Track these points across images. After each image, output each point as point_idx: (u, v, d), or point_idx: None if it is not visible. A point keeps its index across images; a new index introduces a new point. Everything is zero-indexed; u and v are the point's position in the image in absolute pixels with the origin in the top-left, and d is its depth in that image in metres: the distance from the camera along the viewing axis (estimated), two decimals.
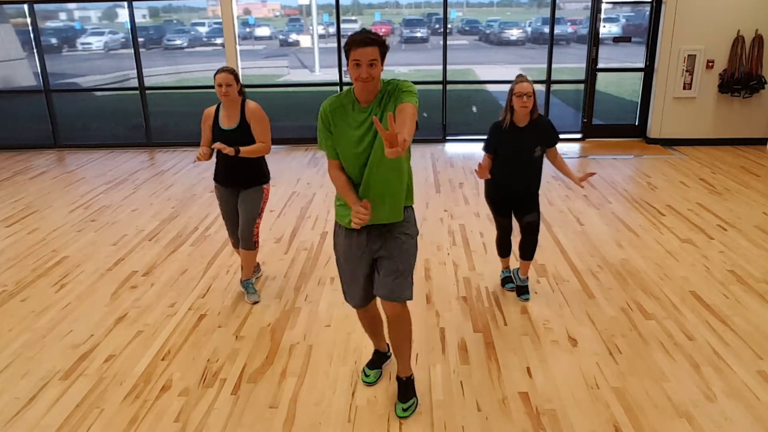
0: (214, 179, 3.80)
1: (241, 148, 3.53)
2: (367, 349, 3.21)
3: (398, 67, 18.38)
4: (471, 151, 7.67)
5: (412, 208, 2.60)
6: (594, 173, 3.58)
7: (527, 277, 3.78)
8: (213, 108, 3.68)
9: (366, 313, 2.80)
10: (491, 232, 4.80)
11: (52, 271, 4.31)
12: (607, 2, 7.67)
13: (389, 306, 2.56)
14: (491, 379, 2.93)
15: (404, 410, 2.69)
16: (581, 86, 7.93)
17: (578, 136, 8.05)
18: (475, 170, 3.48)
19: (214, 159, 3.73)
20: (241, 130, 3.59)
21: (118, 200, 5.90)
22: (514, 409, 2.72)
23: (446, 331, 3.37)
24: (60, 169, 7.23)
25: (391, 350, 3.03)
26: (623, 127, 8.14)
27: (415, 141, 8.18)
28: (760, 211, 5.17)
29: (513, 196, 3.60)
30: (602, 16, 7.70)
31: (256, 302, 3.78)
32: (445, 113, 8.16)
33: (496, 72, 16.05)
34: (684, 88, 7.43)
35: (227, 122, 3.62)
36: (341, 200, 2.54)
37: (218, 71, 3.58)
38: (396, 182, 2.45)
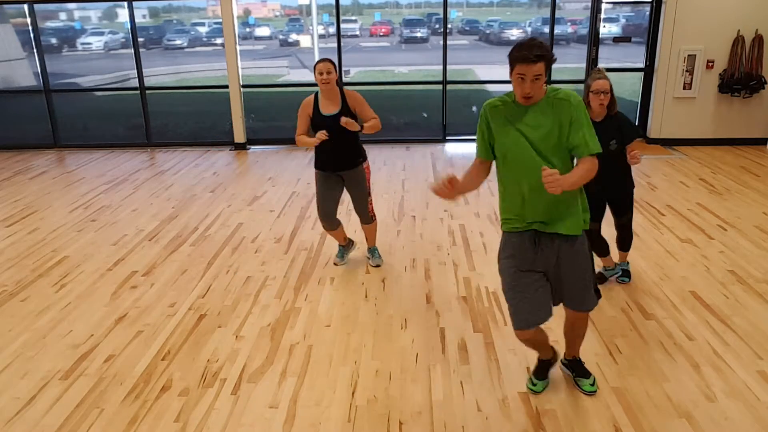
0: (316, 167, 3.99)
1: (365, 125, 3.84)
2: (366, 348, 3.21)
3: (398, 67, 18.39)
4: (471, 151, 7.66)
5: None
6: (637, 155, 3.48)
7: (626, 262, 4.00)
8: (311, 98, 3.87)
9: (533, 335, 2.60)
10: (491, 232, 4.81)
11: (52, 271, 4.31)
12: (607, 2, 7.67)
13: (575, 313, 2.68)
14: (491, 379, 2.93)
15: (591, 385, 2.82)
16: (581, 86, 7.92)
17: None
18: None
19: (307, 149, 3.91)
20: (344, 115, 3.78)
21: (118, 200, 5.90)
22: (514, 409, 2.72)
23: (446, 331, 3.37)
24: (60, 169, 7.23)
25: (552, 355, 2.90)
26: None
27: (415, 141, 8.21)
28: (760, 211, 5.17)
29: (601, 194, 3.66)
30: (602, 16, 7.70)
31: (378, 265, 4.22)
32: (445, 113, 8.16)
33: (496, 72, 16.06)
34: (684, 88, 7.43)
35: (328, 109, 3.80)
36: (507, 213, 2.51)
37: (319, 61, 3.78)
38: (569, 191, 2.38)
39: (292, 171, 6.83)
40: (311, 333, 3.40)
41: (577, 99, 2.38)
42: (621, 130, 3.51)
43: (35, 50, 8.19)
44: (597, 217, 3.78)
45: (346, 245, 4.31)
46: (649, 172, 6.52)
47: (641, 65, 7.80)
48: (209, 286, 4.01)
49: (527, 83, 2.27)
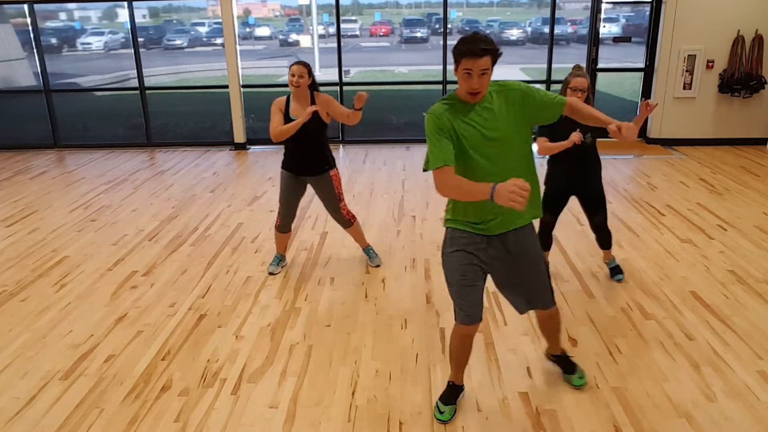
0: (283, 167, 4.00)
1: (356, 110, 3.74)
2: (366, 348, 3.21)
3: (398, 67, 18.39)
4: None
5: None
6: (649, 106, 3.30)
7: (612, 259, 4.02)
8: (283, 99, 3.88)
9: (474, 331, 2.55)
10: None
11: (52, 271, 4.31)
12: (607, 2, 7.67)
13: (543, 311, 2.66)
14: (491, 379, 2.93)
15: (580, 378, 2.84)
16: None
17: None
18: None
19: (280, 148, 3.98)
20: (311, 121, 3.76)
21: (118, 200, 5.91)
22: (514, 409, 2.72)
23: (446, 331, 3.37)
24: (60, 169, 7.23)
25: (462, 383, 2.77)
26: None
27: (415, 141, 8.21)
28: (760, 211, 5.17)
29: (570, 189, 3.73)
30: (602, 16, 7.70)
31: (378, 265, 4.21)
32: None
33: (495, 72, 16.07)
34: (684, 88, 7.43)
35: (298, 113, 3.80)
36: (463, 215, 2.43)
37: (293, 63, 3.79)
38: (531, 176, 2.39)
39: None
40: (311, 333, 3.40)
41: (518, 82, 2.37)
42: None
43: (35, 50, 8.19)
44: (555, 212, 3.84)
45: (284, 256, 4.28)
46: (649, 172, 6.52)
47: (641, 65, 7.80)
48: (209, 286, 4.01)
49: (474, 78, 2.21)
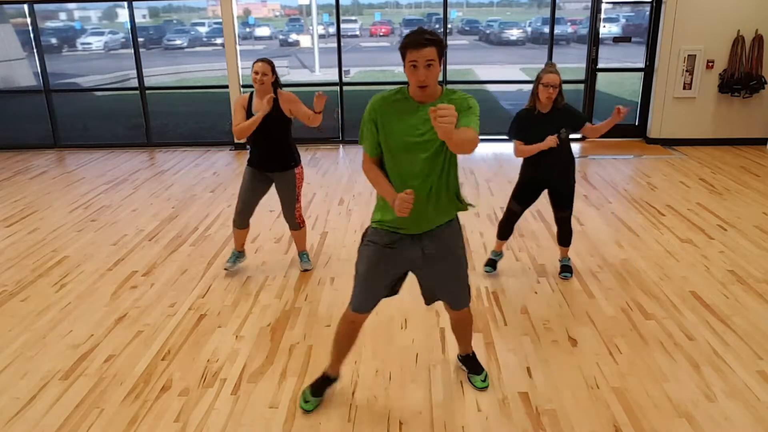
0: (248, 163, 3.99)
1: (317, 113, 3.70)
2: (366, 348, 3.21)
3: (398, 67, 18.41)
4: None
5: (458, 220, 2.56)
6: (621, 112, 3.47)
7: (567, 258, 4.08)
8: (246, 96, 3.90)
9: (361, 320, 2.62)
10: (491, 232, 4.80)
11: (52, 271, 4.31)
12: (607, 2, 7.67)
13: (456, 312, 2.72)
14: (491, 379, 2.93)
15: (483, 381, 2.85)
16: (581, 86, 7.93)
17: (578, 136, 8.04)
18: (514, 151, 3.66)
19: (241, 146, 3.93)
20: (273, 116, 3.78)
21: (118, 200, 5.91)
22: (514, 409, 2.72)
23: (446, 331, 3.37)
24: (60, 169, 7.23)
25: (338, 375, 2.81)
26: (623, 127, 8.11)
27: None
28: (760, 211, 5.18)
29: (543, 182, 3.79)
30: (602, 16, 7.71)
31: (306, 270, 4.17)
32: None
33: (496, 72, 16.04)
34: (684, 88, 7.44)
35: (260, 109, 3.80)
36: (385, 215, 2.46)
37: (257, 60, 3.79)
38: (452, 178, 2.41)
39: None
40: (311, 333, 3.40)
41: (474, 101, 2.34)
42: (570, 118, 3.64)
43: (35, 50, 8.19)
44: (525, 202, 3.90)
45: (241, 253, 4.24)
46: (649, 172, 6.52)
47: (641, 65, 7.80)
48: (209, 286, 4.01)
49: (420, 70, 2.19)
